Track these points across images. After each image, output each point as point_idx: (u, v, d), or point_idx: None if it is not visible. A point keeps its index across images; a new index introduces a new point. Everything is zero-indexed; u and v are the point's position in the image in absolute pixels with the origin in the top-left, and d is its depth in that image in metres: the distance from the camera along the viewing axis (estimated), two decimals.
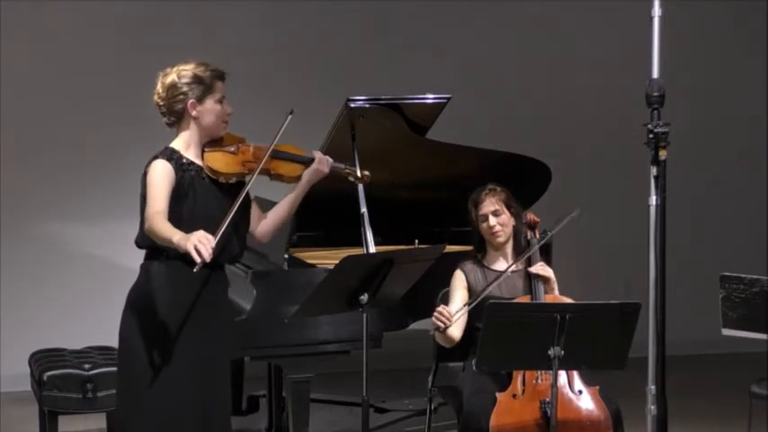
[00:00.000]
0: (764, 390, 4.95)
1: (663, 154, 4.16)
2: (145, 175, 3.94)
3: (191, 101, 3.99)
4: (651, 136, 4.16)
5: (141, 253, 4.05)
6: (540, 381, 4.33)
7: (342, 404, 6.17)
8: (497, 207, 4.65)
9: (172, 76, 4.03)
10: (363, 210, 4.99)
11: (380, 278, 3.97)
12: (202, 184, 3.97)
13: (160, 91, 4.03)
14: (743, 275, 4.28)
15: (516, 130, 7.18)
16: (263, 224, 4.22)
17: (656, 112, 4.17)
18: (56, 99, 7.05)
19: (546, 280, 4.59)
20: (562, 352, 3.87)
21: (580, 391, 4.35)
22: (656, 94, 4.17)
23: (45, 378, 4.97)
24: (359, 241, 5.00)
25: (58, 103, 7.05)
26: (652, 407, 4.20)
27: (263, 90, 7.28)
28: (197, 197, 3.94)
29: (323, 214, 5.40)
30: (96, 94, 7.09)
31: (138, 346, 3.92)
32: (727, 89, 8.04)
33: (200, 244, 3.63)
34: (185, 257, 3.71)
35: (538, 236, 4.77)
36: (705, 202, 7.99)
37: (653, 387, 4.21)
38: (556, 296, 4.60)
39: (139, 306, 3.94)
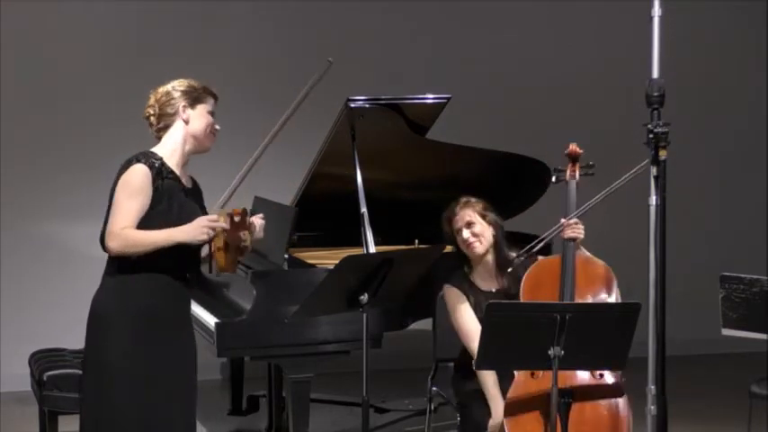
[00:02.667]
0: (764, 390, 4.95)
1: (663, 154, 4.16)
2: (119, 175, 3.91)
3: (182, 104, 3.99)
4: (651, 136, 4.16)
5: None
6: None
7: (342, 404, 6.16)
8: (470, 218, 4.57)
9: (166, 87, 4.05)
10: (363, 210, 4.99)
11: (380, 278, 3.97)
12: (179, 195, 3.95)
13: (152, 100, 4.05)
14: (743, 275, 4.28)
15: (516, 129, 7.18)
16: None
17: (656, 112, 4.18)
18: (56, 99, 7.05)
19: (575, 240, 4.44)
20: (562, 352, 3.86)
21: (601, 375, 4.32)
22: (656, 94, 4.17)
23: (45, 378, 4.97)
24: (359, 241, 5.01)
25: (59, 103, 7.05)
26: (652, 407, 4.20)
27: (263, 90, 7.28)
28: (173, 207, 3.91)
29: (323, 214, 5.41)
30: (97, 94, 7.09)
31: (117, 361, 3.88)
32: (728, 89, 8.04)
33: (209, 228, 3.82)
34: (170, 270, 3.85)
35: (578, 174, 4.63)
36: (705, 202, 7.99)
37: (653, 387, 4.21)
38: (587, 257, 4.49)
39: (120, 312, 3.91)
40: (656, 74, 4.21)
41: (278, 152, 7.09)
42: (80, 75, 7.05)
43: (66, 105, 7.06)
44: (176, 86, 4.03)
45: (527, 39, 7.73)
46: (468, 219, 4.56)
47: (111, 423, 3.89)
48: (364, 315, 3.99)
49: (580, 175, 4.63)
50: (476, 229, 4.55)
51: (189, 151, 4.02)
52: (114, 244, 3.86)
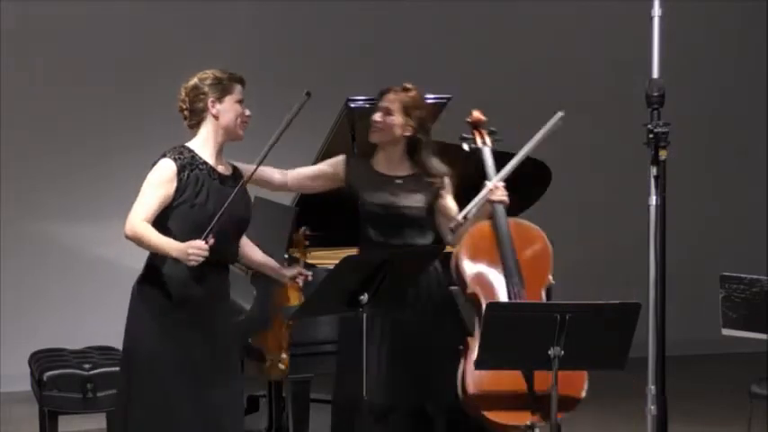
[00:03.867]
0: (764, 390, 4.95)
1: (663, 154, 4.16)
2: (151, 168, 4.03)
3: (210, 99, 4.07)
4: (651, 136, 4.16)
5: (141, 255, 4.06)
6: None
7: None
8: (389, 105, 4.39)
9: (194, 80, 4.11)
10: None
11: (380, 278, 3.97)
12: (212, 184, 4.03)
13: (183, 95, 4.12)
14: (743, 275, 4.29)
15: (516, 129, 7.17)
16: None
17: (656, 112, 4.18)
18: (57, 99, 7.04)
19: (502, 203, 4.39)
20: (562, 352, 3.86)
21: None
22: (656, 94, 4.18)
23: (45, 378, 4.97)
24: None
25: (60, 103, 7.05)
26: (652, 407, 4.21)
27: (263, 90, 7.27)
28: (200, 195, 4.00)
29: (323, 214, 5.39)
30: (98, 95, 7.09)
31: (148, 344, 3.98)
32: (727, 89, 8.04)
33: (195, 255, 3.85)
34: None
35: (489, 141, 4.57)
36: (705, 202, 7.99)
37: (653, 387, 4.21)
38: (516, 219, 4.48)
39: (152, 299, 4.01)
40: (656, 74, 4.21)
41: (278, 152, 7.11)
42: (81, 74, 7.05)
43: (68, 106, 7.05)
44: (203, 80, 4.09)
45: (527, 39, 7.73)
46: (387, 105, 4.40)
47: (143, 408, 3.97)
48: (364, 315, 3.99)
49: (491, 140, 4.56)
50: (389, 119, 4.39)
51: (222, 142, 4.13)
52: (127, 230, 3.96)
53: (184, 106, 4.11)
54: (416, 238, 4.41)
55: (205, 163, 4.05)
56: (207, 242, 3.87)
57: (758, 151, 8.11)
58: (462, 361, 4.24)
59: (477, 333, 4.26)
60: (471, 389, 4.20)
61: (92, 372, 5.04)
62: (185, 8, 7.19)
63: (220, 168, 4.11)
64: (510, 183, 5.35)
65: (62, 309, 7.02)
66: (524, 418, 4.17)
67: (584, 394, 4.26)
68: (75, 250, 7.07)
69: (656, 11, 4.24)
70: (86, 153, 7.08)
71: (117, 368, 4.96)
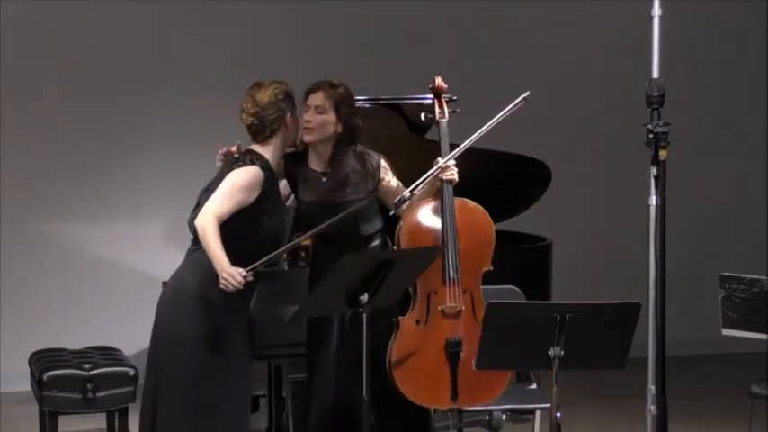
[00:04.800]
0: (764, 390, 4.95)
1: (663, 154, 4.17)
2: (232, 168, 4.15)
3: (288, 114, 4.23)
4: (651, 136, 4.17)
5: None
6: (446, 309, 4.27)
7: None
8: (322, 104, 4.30)
9: (268, 96, 4.22)
10: None
11: (380, 278, 3.97)
12: (280, 193, 4.29)
13: (252, 110, 4.24)
14: (743, 275, 4.28)
15: (516, 129, 7.17)
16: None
17: (656, 112, 4.18)
18: (57, 99, 7.04)
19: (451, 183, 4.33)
20: (562, 352, 3.86)
21: None
22: (656, 94, 4.18)
23: (45, 378, 4.96)
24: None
25: (62, 103, 7.04)
26: (652, 407, 4.21)
27: None
28: (278, 206, 4.21)
29: None
30: (99, 95, 7.09)
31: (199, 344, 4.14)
32: (727, 89, 8.03)
33: (228, 282, 3.98)
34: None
35: (446, 111, 4.47)
36: (705, 202, 7.99)
37: (653, 387, 4.22)
38: (463, 200, 4.41)
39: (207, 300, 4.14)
40: (656, 74, 4.22)
41: None
42: (81, 74, 7.04)
43: (70, 105, 7.05)
44: (278, 95, 4.22)
45: (526, 39, 7.72)
46: (319, 103, 4.32)
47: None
48: (364, 315, 3.99)
49: (449, 111, 4.48)
50: (321, 118, 4.31)
51: (284, 150, 4.31)
52: (201, 221, 4.06)
53: (254, 121, 4.22)
54: (362, 226, 4.40)
55: (275, 174, 4.24)
56: (246, 278, 3.98)
57: (758, 151, 8.10)
58: (392, 337, 4.26)
59: (410, 312, 4.29)
60: (395, 367, 4.23)
61: (92, 372, 5.03)
62: (186, 8, 7.18)
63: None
64: (510, 182, 5.37)
65: (62, 309, 7.01)
66: (444, 403, 4.24)
67: (505, 383, 4.33)
68: (76, 250, 7.07)
69: (656, 11, 4.24)
70: (86, 153, 7.07)
71: (117, 368, 5.03)
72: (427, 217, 4.37)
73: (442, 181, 4.33)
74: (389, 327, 4.27)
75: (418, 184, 4.28)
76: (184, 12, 7.19)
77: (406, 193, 4.26)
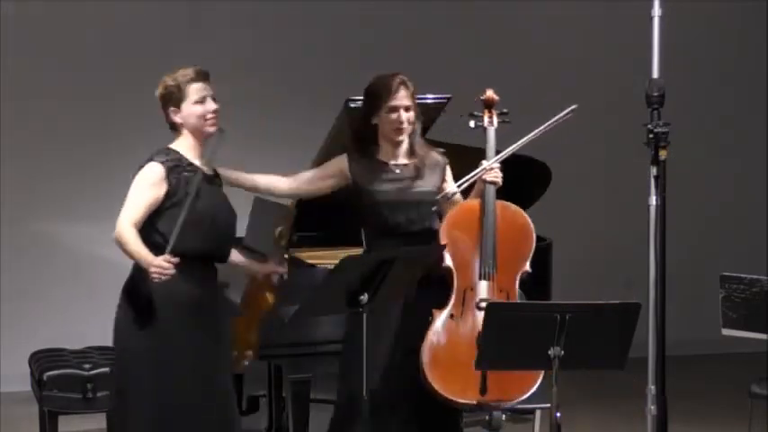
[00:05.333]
0: (764, 390, 4.95)
1: (663, 154, 4.17)
2: (137, 172, 4.08)
3: (171, 109, 4.13)
4: (651, 136, 4.17)
5: None
6: (481, 304, 4.29)
7: None
8: (410, 103, 4.39)
9: (159, 89, 4.16)
10: None
11: (380, 278, 3.97)
12: (203, 185, 4.07)
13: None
14: (743, 275, 4.29)
15: (516, 129, 7.17)
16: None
17: (656, 112, 4.18)
18: (59, 98, 7.04)
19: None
20: (562, 352, 3.86)
21: None
22: (656, 94, 4.18)
23: (45, 378, 4.97)
24: (359, 241, 5.00)
25: (61, 103, 7.05)
26: (652, 407, 4.21)
27: (263, 90, 7.28)
28: (198, 197, 4.02)
29: (323, 214, 5.40)
30: (100, 94, 7.09)
31: (138, 345, 4.00)
32: (727, 89, 8.04)
33: (159, 271, 3.87)
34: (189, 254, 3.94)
35: (496, 122, 4.59)
36: (705, 202, 7.99)
37: (653, 387, 4.22)
38: (506, 203, 4.49)
39: (139, 298, 4.03)
40: (656, 74, 4.22)
41: (278, 152, 7.11)
42: (81, 75, 7.05)
43: (70, 105, 7.05)
44: (161, 91, 4.14)
45: (526, 38, 7.73)
46: (409, 102, 4.39)
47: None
48: (364, 315, 3.99)
49: (498, 122, 4.57)
50: (410, 115, 4.39)
51: (199, 143, 4.16)
52: (116, 232, 4.00)
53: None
54: (432, 221, 4.43)
55: (191, 164, 4.09)
56: (171, 261, 3.88)
57: (758, 151, 8.11)
58: (427, 333, 4.30)
59: (446, 306, 4.32)
60: (426, 360, 4.25)
61: (92, 372, 5.04)
62: (186, 8, 7.19)
63: (205, 168, 4.14)
64: (511, 182, 5.35)
65: (62, 309, 7.02)
66: (472, 396, 4.23)
67: (536, 383, 4.30)
68: (76, 250, 7.07)
69: (656, 11, 4.24)
70: (86, 153, 7.08)
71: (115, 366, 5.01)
72: (469, 215, 4.43)
73: (485, 182, 4.41)
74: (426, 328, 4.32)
75: (462, 183, 4.39)
76: (184, 12, 7.20)
77: (449, 190, 4.37)
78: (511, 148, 4.45)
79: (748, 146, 8.09)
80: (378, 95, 4.39)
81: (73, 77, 7.04)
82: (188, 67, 4.15)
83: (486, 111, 4.60)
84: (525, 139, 4.43)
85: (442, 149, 4.56)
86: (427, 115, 5.35)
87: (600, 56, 7.74)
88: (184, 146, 4.13)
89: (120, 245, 3.97)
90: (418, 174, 4.44)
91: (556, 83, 7.63)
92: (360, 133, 4.49)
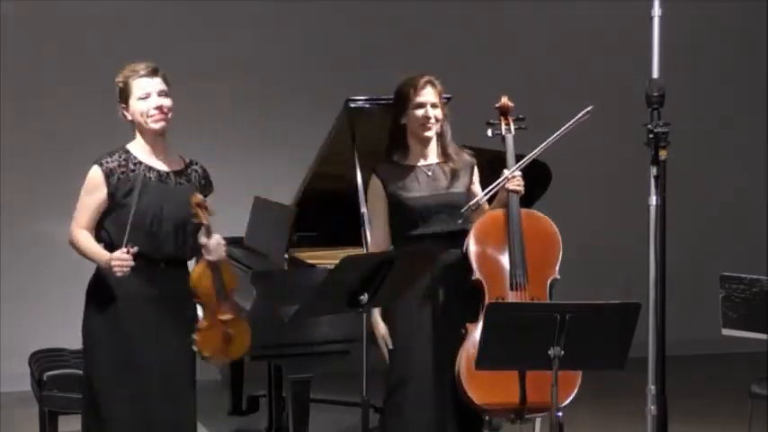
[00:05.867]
0: (764, 390, 4.95)
1: (663, 154, 4.16)
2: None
3: (122, 105, 4.15)
4: (651, 136, 4.16)
5: None
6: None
7: (342, 404, 6.16)
8: (436, 100, 4.40)
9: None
10: (363, 210, 4.99)
11: (380, 278, 3.97)
12: (148, 182, 4.04)
13: None
14: (743, 275, 4.29)
15: (516, 129, 7.17)
16: None
17: (656, 112, 4.18)
18: (59, 98, 7.04)
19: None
20: (562, 352, 3.86)
21: None
22: (656, 94, 4.18)
23: (45, 378, 4.97)
24: (359, 241, 5.00)
25: (61, 102, 7.05)
26: (652, 407, 4.21)
27: (263, 90, 7.28)
28: (133, 195, 4.01)
29: (323, 214, 5.40)
30: (100, 94, 7.07)
31: (99, 343, 4.03)
32: (727, 89, 8.04)
33: (119, 265, 3.90)
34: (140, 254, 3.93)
35: (513, 129, 4.59)
36: (705, 202, 7.99)
37: (653, 387, 4.21)
38: (530, 210, 4.52)
39: (98, 300, 4.07)
40: (656, 74, 4.21)
41: (278, 152, 7.12)
42: (82, 74, 7.05)
43: (69, 104, 7.05)
44: (118, 85, 4.13)
45: (527, 38, 7.73)
46: (435, 99, 4.40)
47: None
48: (364, 315, 3.99)
49: (515, 128, 4.59)
50: (438, 112, 4.40)
51: (150, 140, 4.12)
52: (69, 238, 4.07)
53: None
54: (466, 222, 4.43)
55: (140, 162, 4.06)
56: (129, 251, 3.89)
57: (758, 151, 8.11)
58: (462, 346, 4.28)
59: (479, 319, 4.26)
60: (463, 372, 4.23)
61: None
62: (186, 7, 7.19)
63: (160, 165, 4.09)
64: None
65: (62, 309, 6.98)
66: (512, 403, 4.20)
67: (571, 398, 4.28)
68: None
69: (656, 11, 4.24)
70: (86, 153, 7.06)
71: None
72: (495, 226, 4.43)
73: (508, 191, 4.42)
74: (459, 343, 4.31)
75: (486, 193, 4.39)
76: (185, 11, 7.20)
77: (472, 203, 4.36)
78: (531, 153, 4.45)
79: (748, 146, 8.10)
80: (405, 94, 4.40)
81: (73, 77, 7.04)
82: (140, 62, 4.16)
83: (502, 118, 4.62)
84: (545, 143, 4.42)
85: (471, 150, 4.56)
86: None
87: (600, 56, 7.75)
88: (136, 144, 4.12)
89: (74, 249, 4.03)
90: (452, 174, 4.45)
91: (556, 83, 7.64)
92: (392, 134, 4.48)
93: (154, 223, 3.99)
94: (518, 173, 4.44)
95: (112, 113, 7.04)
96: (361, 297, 3.96)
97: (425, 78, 4.41)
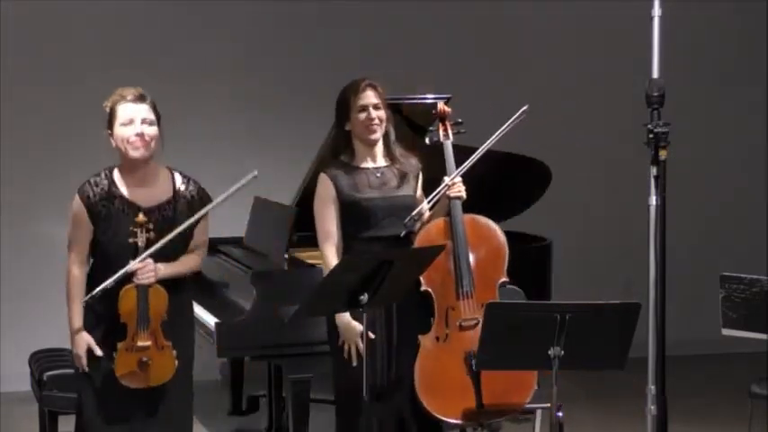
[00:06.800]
0: (764, 390, 4.95)
1: (663, 154, 4.17)
2: None
3: (107, 132, 4.12)
4: (651, 136, 4.17)
5: None
6: (464, 322, 4.30)
7: None
8: (378, 101, 4.36)
9: None
10: None
11: (380, 278, 3.97)
12: (119, 215, 4.03)
13: None
14: (743, 275, 4.29)
15: (516, 129, 7.17)
16: None
17: (656, 112, 4.18)
18: (59, 98, 7.04)
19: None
20: (562, 352, 3.86)
21: None
22: (656, 94, 4.18)
23: (45, 378, 4.97)
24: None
25: (61, 102, 7.05)
26: (652, 407, 4.21)
27: (263, 90, 7.28)
28: (113, 227, 4.02)
29: None
30: (99, 94, 7.07)
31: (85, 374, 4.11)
32: (727, 89, 8.04)
33: (78, 359, 4.06)
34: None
35: (452, 134, 4.55)
36: (705, 202, 7.99)
37: (653, 387, 4.22)
38: (473, 216, 4.46)
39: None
40: (656, 74, 4.22)
41: (278, 152, 7.12)
42: (82, 74, 7.04)
43: (69, 104, 7.05)
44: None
45: (527, 38, 7.73)
46: (377, 101, 4.36)
47: None
48: (364, 315, 3.99)
49: (453, 133, 4.56)
50: (381, 113, 4.36)
51: (133, 168, 4.07)
52: (66, 270, 4.19)
53: None
54: (414, 226, 4.42)
55: (120, 196, 4.04)
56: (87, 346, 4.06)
57: (758, 151, 8.11)
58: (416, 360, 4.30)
59: (430, 331, 4.32)
60: (420, 387, 4.26)
61: None
62: (186, 7, 7.19)
63: (142, 198, 4.04)
64: (511, 182, 5.37)
65: (62, 309, 6.97)
66: (472, 415, 4.23)
67: (528, 399, 4.31)
68: None
69: (656, 11, 4.24)
70: (87, 152, 7.06)
71: None
72: (439, 235, 4.39)
73: (449, 198, 4.39)
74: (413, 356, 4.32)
75: (428, 201, 4.38)
76: (185, 11, 7.19)
77: (415, 212, 4.33)
78: (470, 159, 4.42)
79: (748, 146, 8.09)
80: (346, 100, 4.39)
81: (73, 77, 7.03)
82: (129, 88, 4.07)
83: (440, 124, 4.58)
84: (483, 147, 4.42)
85: (415, 155, 4.52)
86: (427, 115, 5.36)
87: (600, 56, 7.74)
88: (121, 170, 4.08)
89: (66, 281, 4.17)
90: (401, 177, 4.43)
91: (556, 83, 7.64)
92: (335, 140, 4.49)
93: (125, 255, 3.96)
94: (458, 179, 4.41)
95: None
96: (361, 297, 3.96)
97: (366, 82, 4.38)
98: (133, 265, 3.92)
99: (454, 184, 4.39)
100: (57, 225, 7.08)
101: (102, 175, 4.08)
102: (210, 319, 4.90)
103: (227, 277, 5.32)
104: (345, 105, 4.39)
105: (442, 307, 4.35)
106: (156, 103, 4.10)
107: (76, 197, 4.04)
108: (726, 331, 4.32)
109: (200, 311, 4.93)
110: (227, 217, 4.87)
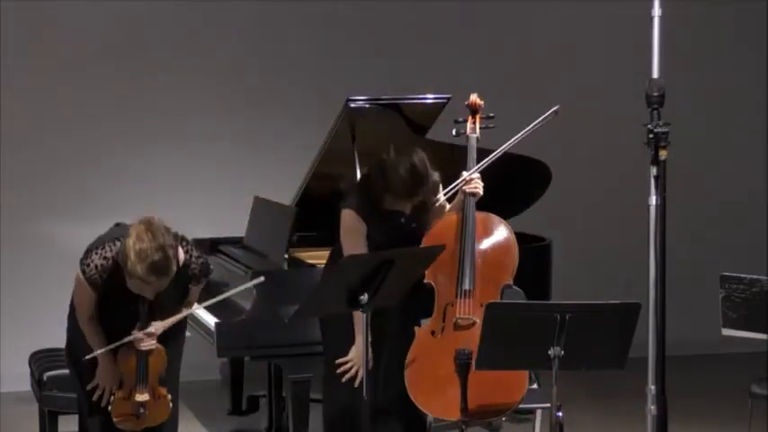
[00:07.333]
0: (764, 390, 4.95)
1: (663, 154, 4.17)
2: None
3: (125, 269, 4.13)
4: (651, 136, 4.17)
5: None
6: (459, 321, 4.30)
7: None
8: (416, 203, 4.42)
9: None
10: None
11: (380, 278, 3.97)
12: (122, 288, 4.14)
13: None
14: (743, 275, 4.29)
15: (516, 130, 7.17)
16: None
17: (656, 112, 4.18)
18: (59, 97, 7.04)
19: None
20: (562, 352, 3.86)
21: None
22: (656, 94, 4.18)
23: (45, 378, 4.97)
24: None
25: (61, 102, 7.04)
26: (652, 407, 4.21)
27: (263, 90, 7.28)
28: (115, 295, 4.16)
29: (323, 214, 5.40)
30: (100, 94, 7.08)
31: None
32: (727, 89, 8.04)
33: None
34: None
35: (478, 127, 4.54)
36: (705, 202, 7.99)
37: (653, 387, 4.22)
38: (486, 213, 4.47)
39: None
40: (656, 74, 4.22)
41: (278, 152, 7.12)
42: (82, 74, 7.04)
43: (69, 104, 7.05)
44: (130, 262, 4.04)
45: (527, 39, 7.73)
46: (411, 205, 4.40)
47: None
48: (364, 315, 3.99)
49: (480, 128, 4.54)
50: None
51: None
52: (79, 319, 4.36)
53: None
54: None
55: (123, 286, 4.11)
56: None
57: (758, 151, 8.11)
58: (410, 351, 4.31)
59: (429, 323, 4.34)
60: (408, 376, 4.27)
61: None
62: (186, 6, 7.18)
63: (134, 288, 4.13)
64: (510, 182, 5.36)
65: (62, 309, 6.98)
66: (453, 413, 4.20)
67: (519, 397, 4.28)
68: (76, 250, 7.02)
69: (656, 11, 4.24)
70: (87, 153, 7.08)
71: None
72: (448, 230, 4.39)
73: (465, 193, 4.38)
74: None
75: (445, 193, 4.39)
76: (185, 10, 7.19)
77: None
78: (491, 156, 4.42)
79: (748, 146, 8.09)
80: (394, 190, 4.34)
81: (73, 77, 7.03)
82: (146, 260, 4.01)
83: (470, 117, 4.56)
84: (507, 144, 4.40)
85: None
86: (427, 115, 5.37)
87: (600, 56, 7.74)
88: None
89: (83, 330, 4.29)
90: (422, 219, 4.45)
91: (556, 83, 7.63)
92: (368, 197, 4.45)
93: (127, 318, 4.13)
94: (477, 175, 4.40)
95: (113, 114, 7.09)
96: (361, 297, 3.96)
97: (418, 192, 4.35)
98: (136, 335, 4.10)
99: (472, 180, 4.38)
100: (57, 225, 7.11)
101: (110, 264, 4.18)
102: (210, 319, 4.90)
103: (227, 277, 5.32)
104: (389, 192, 4.35)
105: (442, 302, 4.34)
106: (181, 267, 4.15)
107: (82, 276, 4.23)
108: (726, 331, 4.32)
109: (200, 312, 4.94)
110: (227, 217, 4.89)
